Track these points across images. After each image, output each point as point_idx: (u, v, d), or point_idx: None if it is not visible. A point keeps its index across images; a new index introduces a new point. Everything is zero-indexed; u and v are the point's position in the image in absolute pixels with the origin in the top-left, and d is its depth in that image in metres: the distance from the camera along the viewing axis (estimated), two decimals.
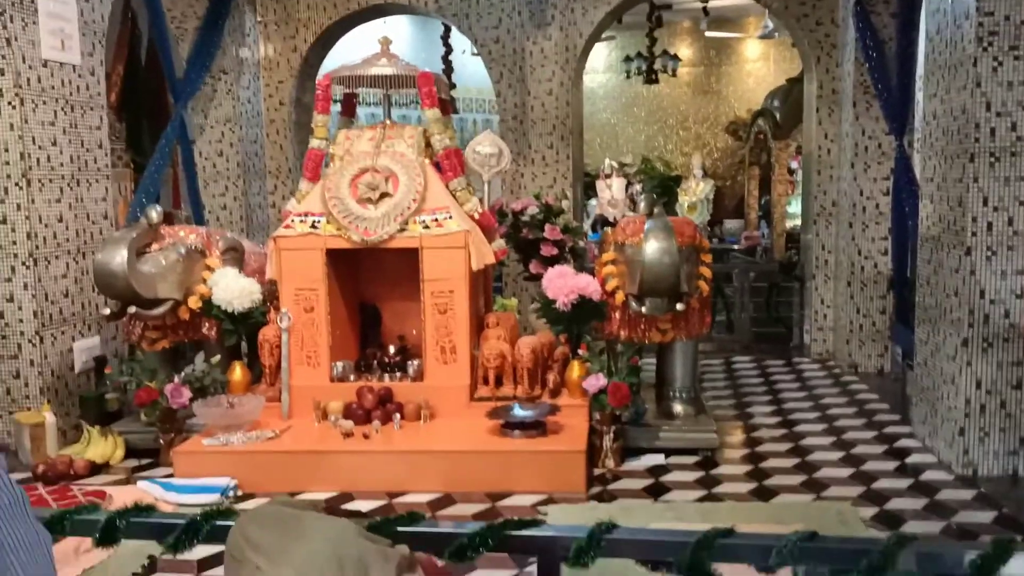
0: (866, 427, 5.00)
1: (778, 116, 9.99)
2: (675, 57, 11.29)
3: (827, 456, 4.49)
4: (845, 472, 4.24)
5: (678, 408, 4.73)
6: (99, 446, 4.45)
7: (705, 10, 10.55)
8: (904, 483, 4.09)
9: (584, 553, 1.86)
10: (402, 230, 4.51)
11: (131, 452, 4.56)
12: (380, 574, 1.44)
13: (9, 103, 4.54)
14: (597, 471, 4.25)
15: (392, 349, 4.83)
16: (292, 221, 4.65)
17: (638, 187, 11.09)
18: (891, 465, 4.34)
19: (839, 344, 6.71)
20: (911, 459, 4.42)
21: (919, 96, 6.02)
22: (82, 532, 2.01)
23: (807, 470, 4.28)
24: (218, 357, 4.69)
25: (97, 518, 1.98)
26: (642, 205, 4.55)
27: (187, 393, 4.40)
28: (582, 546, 1.86)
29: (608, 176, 10.38)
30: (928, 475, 4.18)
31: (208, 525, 1.94)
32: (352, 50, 6.69)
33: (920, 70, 5.49)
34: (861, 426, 5.02)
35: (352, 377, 4.67)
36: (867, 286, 6.46)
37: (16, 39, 4.52)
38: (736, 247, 10.42)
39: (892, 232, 6.05)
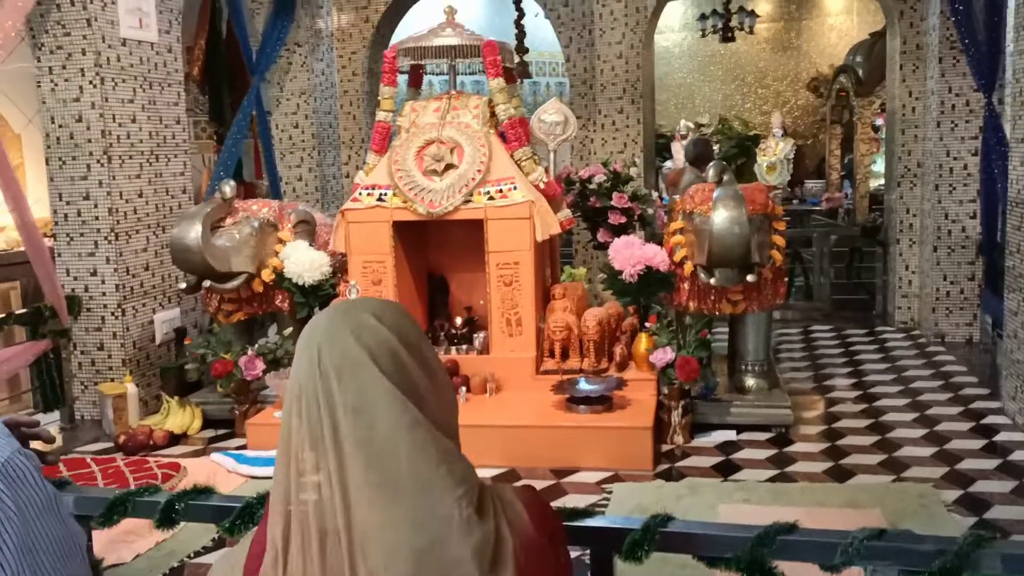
0: (952, 402, 4.78)
1: (860, 72, 9.53)
2: (752, 13, 10.89)
3: (909, 433, 4.31)
4: (928, 451, 4.06)
5: (750, 382, 4.60)
6: (178, 416, 4.60)
7: None
8: (991, 463, 3.89)
9: (638, 546, 1.80)
10: (467, 201, 4.48)
11: (208, 423, 4.70)
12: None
13: (90, 82, 4.66)
14: (665, 447, 4.18)
15: (459, 321, 4.84)
16: (360, 194, 4.67)
17: (715, 148, 10.81)
18: (978, 444, 4.14)
19: (924, 312, 6.43)
20: (1000, 437, 4.21)
21: (1009, 50, 5.66)
22: (143, 514, 2.06)
23: (887, 448, 4.12)
24: (290, 329, 4.78)
25: (157, 500, 2.03)
26: (711, 173, 4.39)
27: (260, 365, 4.50)
28: (636, 539, 1.81)
29: (684, 137, 10.14)
30: (1018, 455, 3.97)
31: (263, 508, 1.96)
32: (423, 18, 6.65)
33: (1010, 21, 5.14)
34: (947, 401, 4.81)
35: None
36: (954, 251, 6.16)
37: (96, 19, 4.64)
38: (817, 208, 10.07)
39: (981, 194, 5.73)
